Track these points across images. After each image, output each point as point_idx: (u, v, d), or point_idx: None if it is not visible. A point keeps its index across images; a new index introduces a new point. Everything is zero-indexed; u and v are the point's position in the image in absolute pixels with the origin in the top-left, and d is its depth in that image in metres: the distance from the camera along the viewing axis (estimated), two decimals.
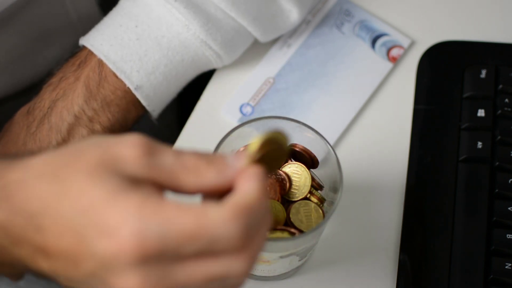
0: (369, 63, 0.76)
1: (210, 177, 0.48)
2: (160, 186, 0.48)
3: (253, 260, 0.48)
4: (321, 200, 0.65)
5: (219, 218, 0.46)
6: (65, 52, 0.72)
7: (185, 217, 0.46)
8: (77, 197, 0.47)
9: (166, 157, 0.48)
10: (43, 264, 0.49)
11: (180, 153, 0.49)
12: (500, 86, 0.73)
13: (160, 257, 0.47)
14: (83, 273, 0.48)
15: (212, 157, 0.49)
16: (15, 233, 0.49)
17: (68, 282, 0.50)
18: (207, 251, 0.47)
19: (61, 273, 0.49)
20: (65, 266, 0.49)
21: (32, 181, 0.49)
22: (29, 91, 0.72)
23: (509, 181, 0.69)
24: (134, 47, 0.68)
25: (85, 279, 0.49)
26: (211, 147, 0.61)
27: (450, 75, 0.74)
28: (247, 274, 0.48)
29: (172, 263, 0.47)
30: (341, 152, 0.72)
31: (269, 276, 0.67)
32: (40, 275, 0.51)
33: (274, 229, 0.63)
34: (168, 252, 0.47)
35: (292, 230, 0.63)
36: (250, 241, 0.47)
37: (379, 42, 0.77)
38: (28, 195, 0.49)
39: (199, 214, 0.46)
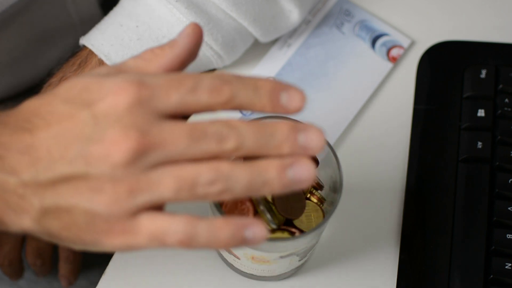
0: (369, 63, 0.76)
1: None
2: None
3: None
4: (321, 200, 0.65)
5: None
6: (67, 53, 0.72)
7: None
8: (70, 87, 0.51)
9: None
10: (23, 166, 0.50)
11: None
12: (500, 86, 0.73)
13: (148, 100, 0.49)
14: (69, 156, 0.49)
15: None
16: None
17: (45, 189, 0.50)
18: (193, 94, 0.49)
19: (42, 169, 0.49)
20: (49, 151, 0.49)
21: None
22: (29, 92, 0.72)
23: (509, 181, 0.69)
24: (135, 47, 0.68)
25: (67, 167, 0.49)
26: None
27: (450, 75, 0.74)
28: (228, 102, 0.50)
29: (162, 106, 0.49)
30: (341, 152, 0.72)
31: (269, 276, 0.67)
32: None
33: (274, 229, 0.63)
34: (157, 94, 0.49)
35: (292, 229, 0.63)
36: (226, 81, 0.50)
37: (379, 42, 0.77)
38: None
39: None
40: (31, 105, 0.51)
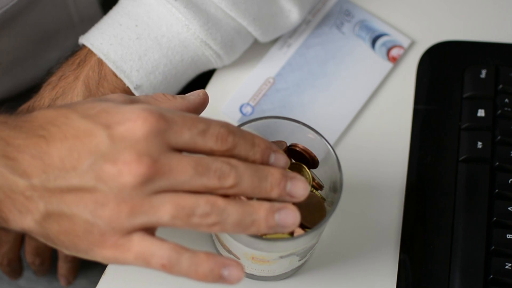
0: (369, 63, 0.76)
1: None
2: None
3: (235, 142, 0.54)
4: None
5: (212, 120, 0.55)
6: (67, 53, 0.72)
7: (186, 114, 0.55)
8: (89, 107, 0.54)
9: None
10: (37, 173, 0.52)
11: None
12: (500, 86, 0.73)
13: (164, 133, 0.52)
14: (81, 168, 0.52)
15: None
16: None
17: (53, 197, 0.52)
18: (201, 138, 0.53)
19: (52, 176, 0.52)
20: (63, 161, 0.52)
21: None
22: (30, 93, 0.72)
23: (509, 181, 0.69)
24: (134, 46, 0.68)
25: (78, 178, 0.52)
26: None
27: (450, 75, 0.74)
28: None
29: (173, 142, 0.53)
30: (341, 152, 0.72)
31: (269, 276, 0.67)
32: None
33: None
34: (171, 129, 0.53)
35: None
36: (233, 130, 0.55)
37: (379, 42, 0.77)
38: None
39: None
40: (46, 114, 0.54)
